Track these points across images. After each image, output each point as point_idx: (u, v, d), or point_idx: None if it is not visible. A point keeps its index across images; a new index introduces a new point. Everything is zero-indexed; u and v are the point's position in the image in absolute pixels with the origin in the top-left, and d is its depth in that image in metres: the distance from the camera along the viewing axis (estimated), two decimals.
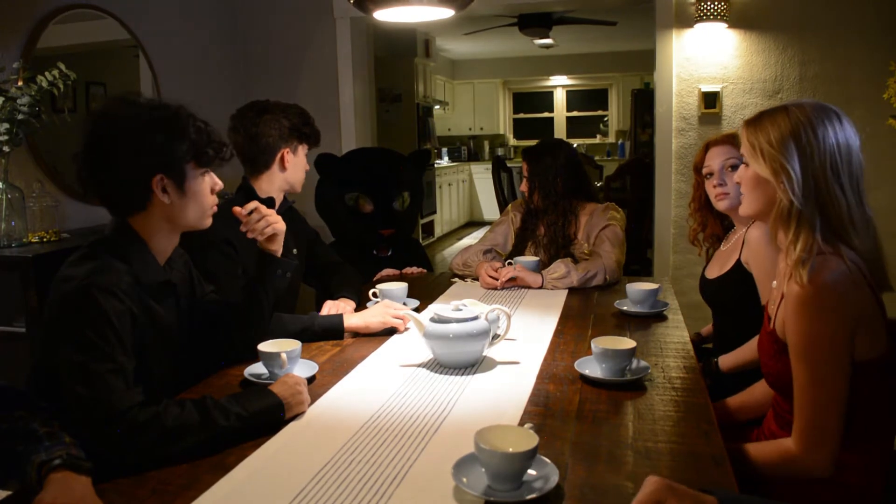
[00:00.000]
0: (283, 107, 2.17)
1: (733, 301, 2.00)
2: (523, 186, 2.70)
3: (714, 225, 2.21)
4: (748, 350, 1.91)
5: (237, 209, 1.65)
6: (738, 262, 1.97)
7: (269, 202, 2.15)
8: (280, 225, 1.68)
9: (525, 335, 1.87)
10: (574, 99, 10.71)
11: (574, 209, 2.63)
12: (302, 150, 2.21)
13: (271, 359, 1.53)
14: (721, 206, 2.07)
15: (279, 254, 1.70)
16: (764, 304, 1.61)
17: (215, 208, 1.52)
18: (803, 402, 1.30)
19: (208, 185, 1.48)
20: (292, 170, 2.18)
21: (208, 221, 1.52)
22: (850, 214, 1.31)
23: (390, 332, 1.93)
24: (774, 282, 1.49)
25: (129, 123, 1.38)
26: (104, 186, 1.41)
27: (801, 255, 1.29)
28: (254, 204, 1.66)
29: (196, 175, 1.44)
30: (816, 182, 1.30)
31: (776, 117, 1.35)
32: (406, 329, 1.93)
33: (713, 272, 2.10)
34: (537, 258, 2.52)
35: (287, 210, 2.26)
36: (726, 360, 1.95)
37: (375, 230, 3.14)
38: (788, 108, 1.36)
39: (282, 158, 2.14)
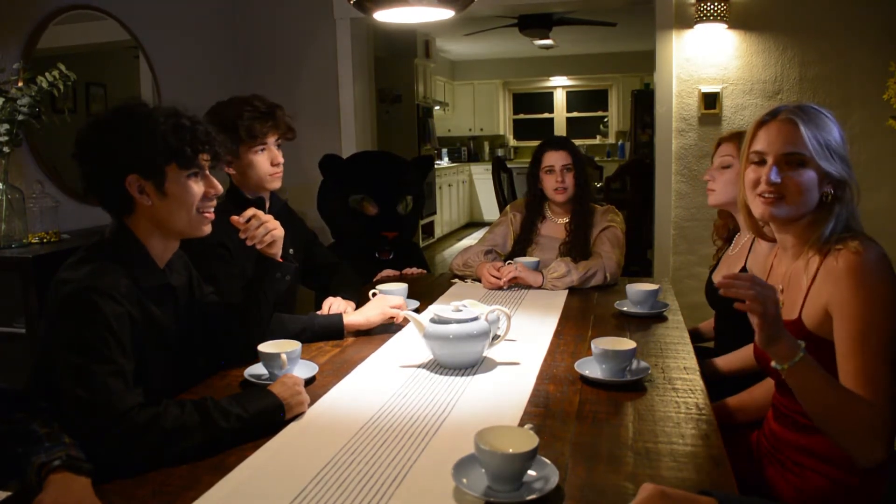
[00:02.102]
0: (232, 110, 2.06)
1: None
2: (563, 181, 2.58)
3: (726, 217, 2.24)
4: (738, 358, 1.90)
5: (235, 218, 1.64)
6: (744, 268, 1.98)
7: (258, 202, 2.13)
8: (279, 231, 1.67)
9: (525, 336, 1.87)
10: (574, 100, 10.71)
11: (592, 211, 2.63)
12: (246, 151, 2.07)
13: (271, 359, 1.53)
14: (709, 201, 2.12)
15: (278, 257, 1.70)
16: None
17: (211, 215, 1.49)
18: (884, 362, 1.22)
19: (196, 189, 1.44)
20: (241, 172, 2.10)
21: (205, 229, 1.49)
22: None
23: (390, 331, 1.93)
24: (780, 286, 1.48)
25: (100, 125, 1.39)
26: (87, 186, 1.42)
27: (835, 235, 1.32)
28: (252, 211, 1.66)
29: (179, 178, 1.41)
30: (851, 175, 1.35)
31: (819, 115, 1.36)
32: (404, 318, 1.92)
33: (719, 276, 2.10)
34: (537, 259, 2.52)
35: (281, 209, 2.24)
36: (721, 363, 1.94)
37: (378, 232, 3.15)
38: (814, 106, 1.38)
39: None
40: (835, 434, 1.24)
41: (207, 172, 1.47)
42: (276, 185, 2.16)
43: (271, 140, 2.12)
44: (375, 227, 3.15)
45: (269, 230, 1.65)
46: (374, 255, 3.16)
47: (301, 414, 1.37)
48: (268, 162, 2.12)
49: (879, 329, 1.23)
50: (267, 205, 2.18)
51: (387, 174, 3.28)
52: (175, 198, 1.42)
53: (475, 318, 1.61)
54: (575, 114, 10.68)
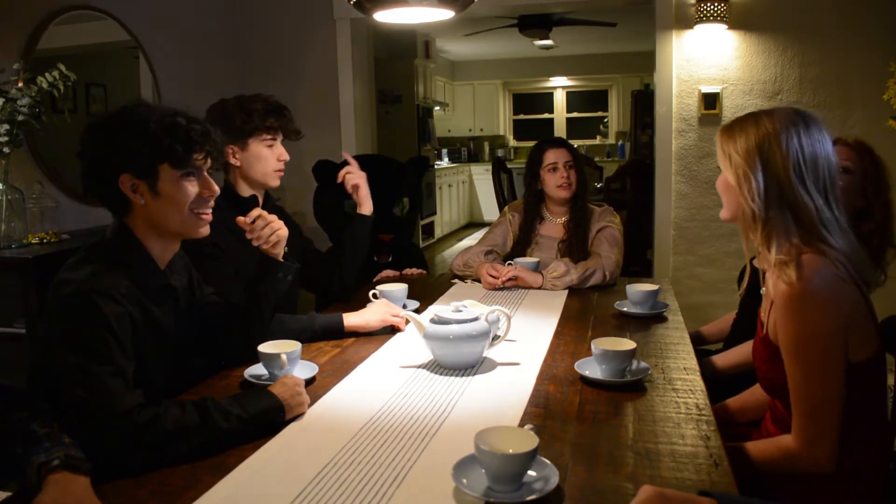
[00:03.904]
0: (235, 103, 2.09)
1: None
2: (568, 177, 2.60)
3: None
4: (740, 353, 1.90)
5: (241, 219, 1.64)
6: None
7: (251, 201, 2.13)
8: (283, 231, 1.67)
9: (525, 336, 1.87)
10: (574, 100, 10.72)
11: (590, 211, 2.63)
12: (255, 143, 2.10)
13: (271, 360, 1.53)
14: None
15: (280, 257, 1.70)
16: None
17: (206, 216, 1.48)
18: (799, 399, 1.31)
19: (190, 189, 1.43)
20: (246, 165, 2.11)
21: (202, 230, 1.48)
22: (820, 216, 1.33)
23: (390, 332, 1.93)
24: (763, 289, 1.49)
25: (97, 124, 1.40)
26: (87, 186, 1.43)
27: (780, 257, 1.32)
28: (257, 211, 1.66)
29: (173, 178, 1.40)
30: (781, 187, 1.34)
31: (746, 126, 1.40)
32: (405, 319, 1.92)
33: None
34: (537, 259, 2.52)
35: (273, 210, 2.24)
36: (720, 360, 1.94)
37: (375, 235, 3.17)
38: (759, 116, 1.40)
39: (229, 155, 2.09)
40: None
41: (205, 174, 1.47)
42: (277, 182, 2.18)
43: (280, 136, 2.16)
44: (372, 231, 3.17)
45: (274, 230, 1.66)
46: (373, 258, 3.17)
47: (301, 414, 1.37)
48: (275, 157, 2.14)
49: (805, 356, 1.29)
50: (260, 203, 2.17)
51: (381, 177, 3.31)
52: (168, 198, 1.41)
53: (475, 319, 1.61)
54: (575, 114, 10.68)
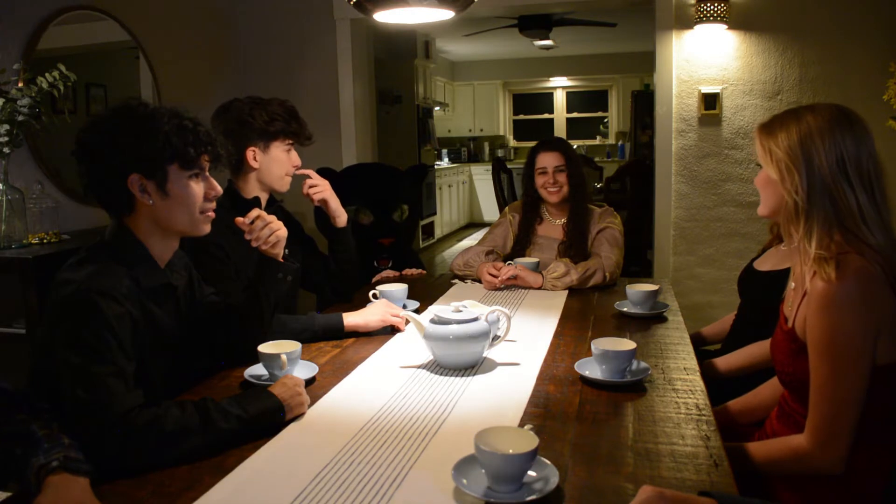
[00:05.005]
0: (253, 104, 2.10)
1: (775, 300, 1.98)
2: (556, 181, 2.60)
3: None
4: (742, 356, 1.90)
5: (239, 220, 1.64)
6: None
7: (254, 202, 2.13)
8: (283, 231, 1.67)
9: (525, 336, 1.87)
10: (574, 100, 10.72)
11: (590, 212, 2.63)
12: (277, 146, 2.12)
13: (271, 360, 1.53)
14: None
15: (280, 258, 1.70)
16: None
17: (212, 214, 1.50)
18: (821, 398, 1.30)
19: (197, 190, 1.45)
20: (265, 168, 2.12)
21: (205, 228, 1.49)
22: (862, 212, 1.33)
23: (390, 332, 1.93)
24: (792, 283, 1.49)
25: (102, 124, 1.40)
26: (88, 186, 1.43)
27: (820, 252, 1.31)
28: (256, 212, 1.66)
29: (181, 178, 1.42)
30: (824, 182, 1.34)
31: (788, 123, 1.39)
32: (405, 319, 1.92)
33: (765, 265, 2.07)
34: (537, 259, 2.52)
35: (275, 211, 2.24)
36: (721, 363, 1.94)
37: (375, 240, 3.20)
38: (800, 112, 1.40)
39: (250, 157, 2.09)
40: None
41: (207, 174, 1.49)
42: (287, 188, 2.19)
43: (295, 141, 2.18)
44: (371, 235, 3.20)
45: (273, 231, 1.66)
46: (374, 263, 3.20)
47: (301, 415, 1.37)
48: (290, 162, 2.16)
49: (833, 354, 1.28)
50: (263, 205, 2.18)
51: (380, 185, 3.36)
52: (176, 198, 1.42)
53: (475, 319, 1.61)
54: (575, 114, 10.68)
